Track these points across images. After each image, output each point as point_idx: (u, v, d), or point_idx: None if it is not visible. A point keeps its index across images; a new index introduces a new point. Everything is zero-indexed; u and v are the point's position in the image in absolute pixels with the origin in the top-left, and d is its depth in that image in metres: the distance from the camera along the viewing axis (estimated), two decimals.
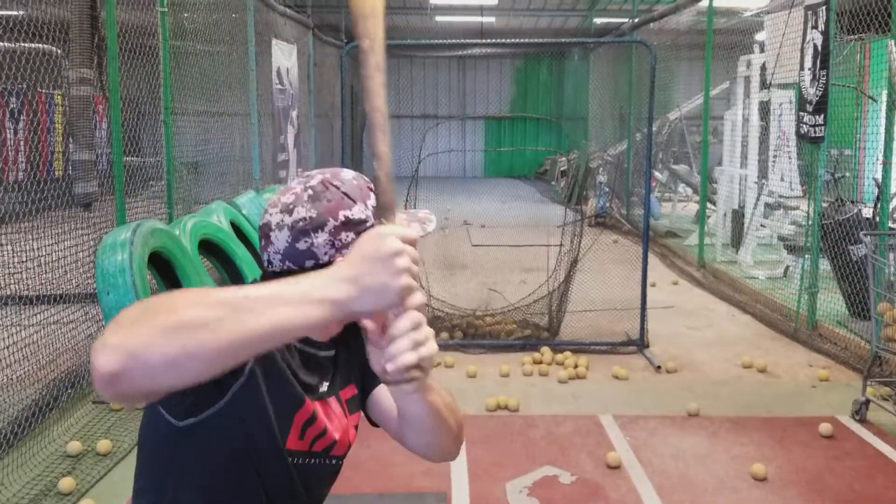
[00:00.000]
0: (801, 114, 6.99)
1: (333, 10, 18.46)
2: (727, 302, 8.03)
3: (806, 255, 7.03)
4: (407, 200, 6.75)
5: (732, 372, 5.91)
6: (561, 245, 6.66)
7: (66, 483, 3.91)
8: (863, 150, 9.34)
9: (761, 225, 9.19)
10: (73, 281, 5.56)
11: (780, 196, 8.84)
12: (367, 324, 1.25)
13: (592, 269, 6.94)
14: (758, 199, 8.96)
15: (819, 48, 6.62)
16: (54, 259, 5.14)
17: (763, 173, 8.98)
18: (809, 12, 6.80)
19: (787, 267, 8.45)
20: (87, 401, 5.08)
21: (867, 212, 6.77)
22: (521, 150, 23.68)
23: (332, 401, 1.55)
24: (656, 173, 13.54)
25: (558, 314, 6.46)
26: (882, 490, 4.06)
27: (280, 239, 1.41)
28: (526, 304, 6.70)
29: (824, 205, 6.84)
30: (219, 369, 1.03)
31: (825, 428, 4.68)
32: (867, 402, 4.89)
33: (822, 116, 6.60)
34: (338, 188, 1.44)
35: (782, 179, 8.50)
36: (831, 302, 6.83)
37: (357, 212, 1.43)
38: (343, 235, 1.41)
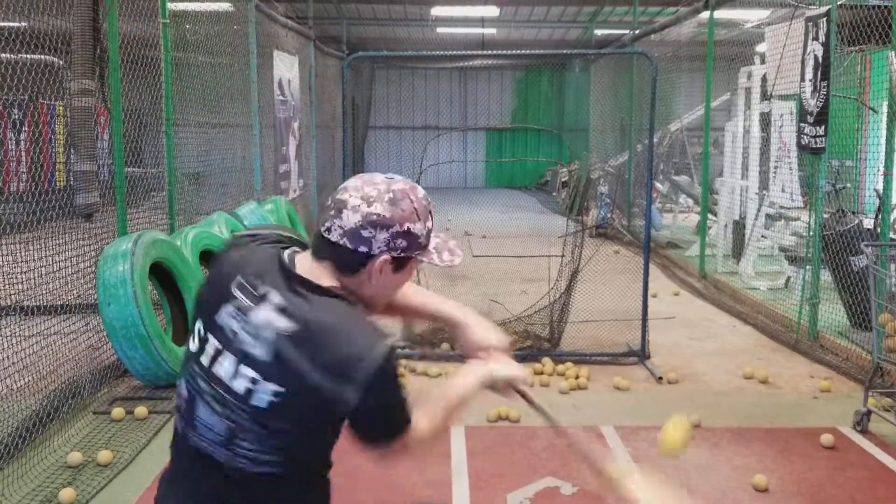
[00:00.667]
0: (802, 125, 7.00)
1: (335, 22, 18.50)
2: (728, 313, 8.02)
3: (807, 266, 7.02)
4: None
5: (734, 383, 5.90)
6: (562, 256, 6.65)
7: (67, 494, 3.89)
8: (864, 160, 9.33)
9: (762, 236, 9.19)
10: (75, 291, 5.57)
11: (781, 207, 8.83)
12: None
13: (594, 279, 6.94)
14: (759, 210, 8.95)
15: (820, 59, 6.63)
16: (55, 269, 5.14)
17: (764, 184, 8.98)
18: (810, 24, 6.82)
19: (789, 278, 8.44)
20: (88, 411, 5.07)
21: (868, 222, 6.76)
22: (523, 160, 23.69)
23: None
24: (657, 184, 13.53)
25: (559, 325, 6.45)
26: (884, 501, 4.05)
27: (350, 219, 1.63)
28: (527, 314, 6.69)
29: (825, 216, 6.84)
30: None
31: (827, 439, 4.68)
32: (869, 412, 4.88)
33: (822, 127, 6.61)
34: (412, 202, 1.67)
35: (783, 190, 8.50)
36: (832, 313, 6.82)
37: (418, 228, 1.68)
38: (399, 241, 1.66)
